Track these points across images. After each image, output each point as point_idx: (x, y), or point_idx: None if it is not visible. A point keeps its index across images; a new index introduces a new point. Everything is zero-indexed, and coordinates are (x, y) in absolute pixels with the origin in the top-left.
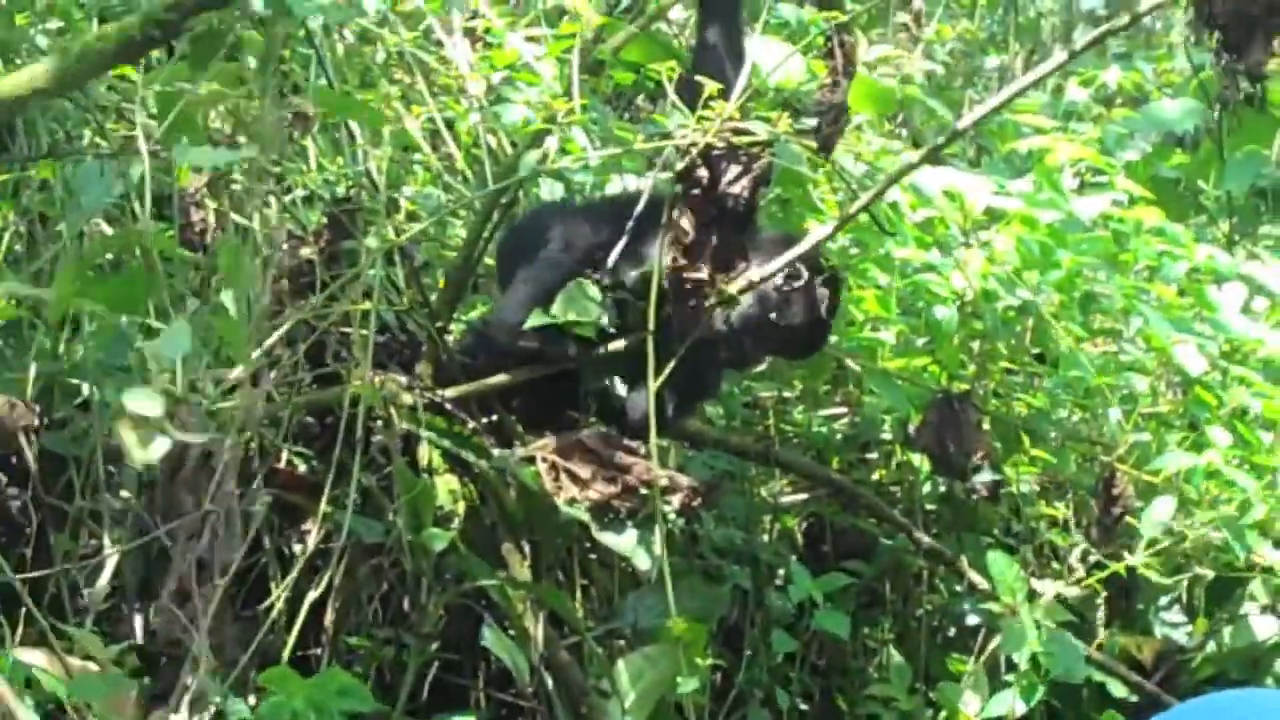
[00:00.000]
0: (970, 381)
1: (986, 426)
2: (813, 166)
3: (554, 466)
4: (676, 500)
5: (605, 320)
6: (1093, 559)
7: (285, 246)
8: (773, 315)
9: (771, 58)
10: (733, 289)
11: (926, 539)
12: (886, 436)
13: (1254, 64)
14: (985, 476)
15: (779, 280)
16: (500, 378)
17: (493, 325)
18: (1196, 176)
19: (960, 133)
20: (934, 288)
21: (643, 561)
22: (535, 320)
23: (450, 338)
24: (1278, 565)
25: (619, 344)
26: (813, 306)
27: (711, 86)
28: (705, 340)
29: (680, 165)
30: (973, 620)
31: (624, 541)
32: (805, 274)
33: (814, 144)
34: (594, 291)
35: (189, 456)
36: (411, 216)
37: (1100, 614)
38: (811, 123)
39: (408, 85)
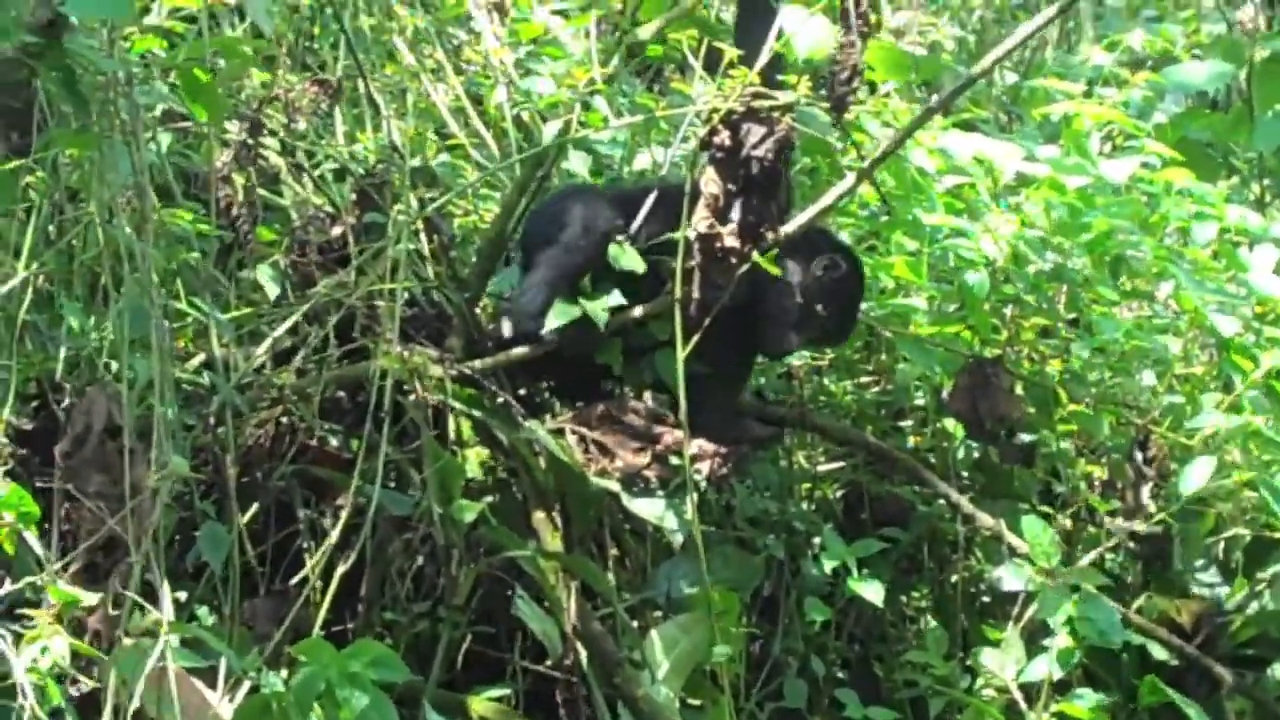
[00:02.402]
0: (1002, 346)
1: (1020, 391)
2: (838, 135)
3: (583, 438)
4: (705, 467)
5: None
6: (1129, 522)
7: (315, 221)
8: (817, 306)
9: (797, 25)
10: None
11: (965, 503)
12: (920, 403)
13: None
14: (1021, 439)
15: (819, 271)
16: (528, 349)
17: (514, 310)
18: (1227, 138)
19: (972, 80)
20: (964, 253)
21: (674, 528)
22: (557, 313)
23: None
24: None
25: (644, 308)
26: (845, 295)
27: (732, 53)
28: (750, 334)
29: (703, 131)
30: (1010, 586)
31: (655, 509)
32: (844, 265)
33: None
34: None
35: (91, 434)
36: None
37: (1138, 577)
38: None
39: (434, 60)
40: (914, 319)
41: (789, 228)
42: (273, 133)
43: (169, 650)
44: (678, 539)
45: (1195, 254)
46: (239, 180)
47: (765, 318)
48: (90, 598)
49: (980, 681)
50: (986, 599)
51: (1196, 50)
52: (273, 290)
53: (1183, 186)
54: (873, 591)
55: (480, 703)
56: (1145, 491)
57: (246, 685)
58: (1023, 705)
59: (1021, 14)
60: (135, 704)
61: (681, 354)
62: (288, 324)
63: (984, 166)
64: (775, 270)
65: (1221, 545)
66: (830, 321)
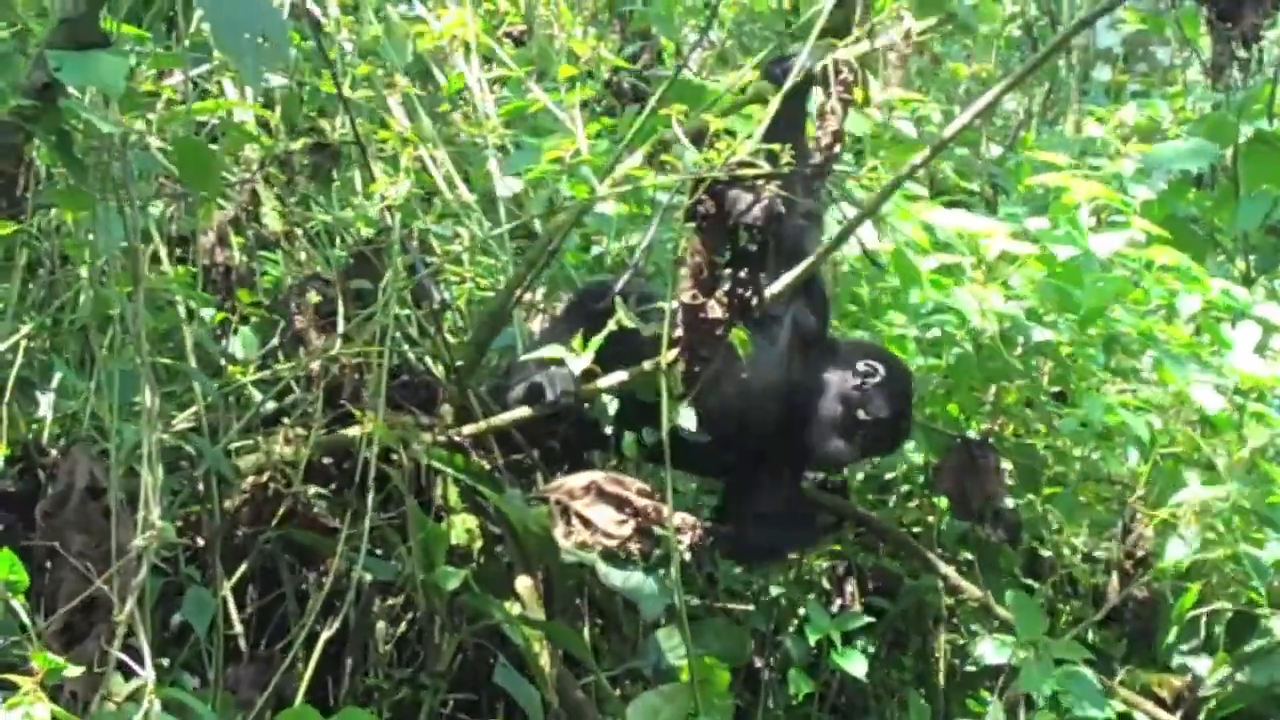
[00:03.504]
0: (989, 421)
1: (1007, 466)
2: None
3: (565, 509)
4: (688, 539)
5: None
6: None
7: (305, 286)
8: (859, 413)
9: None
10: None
11: (954, 575)
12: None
13: (1249, 28)
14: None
15: (857, 380)
16: (515, 414)
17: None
18: (1213, 215)
19: (946, 142)
20: (951, 329)
21: (649, 603)
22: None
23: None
24: None
25: (620, 376)
26: (894, 400)
27: (718, 124)
28: (793, 454)
29: (689, 200)
30: (994, 659)
31: (630, 583)
32: (881, 370)
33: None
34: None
35: (73, 493)
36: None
37: (1121, 651)
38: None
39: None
40: None
41: (772, 290)
42: (276, 196)
43: (152, 715)
44: (654, 613)
45: (1176, 332)
46: (235, 243)
47: (816, 430)
48: (75, 669)
49: None
50: (970, 670)
51: (1184, 126)
52: (248, 354)
53: (1166, 263)
54: (856, 665)
55: None
56: (1128, 566)
57: None
58: None
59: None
60: None
61: (666, 425)
62: (275, 389)
63: (969, 244)
64: (744, 343)
65: (1204, 620)
66: (879, 428)
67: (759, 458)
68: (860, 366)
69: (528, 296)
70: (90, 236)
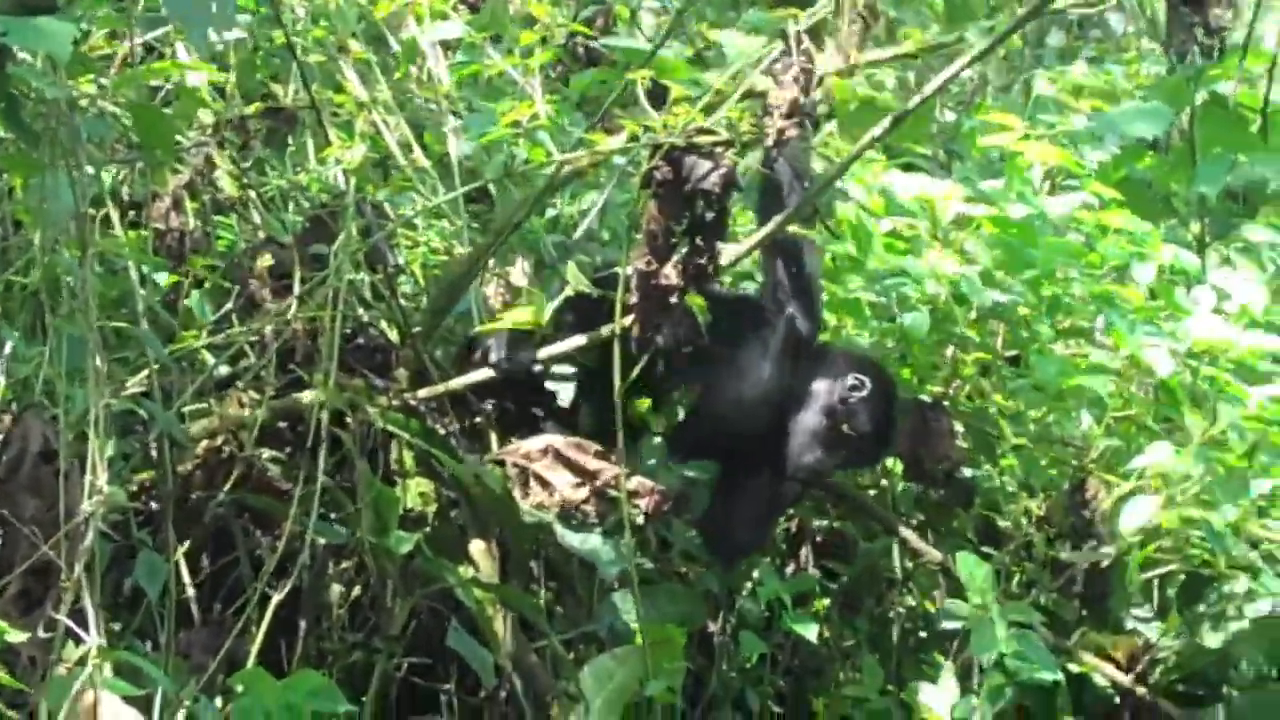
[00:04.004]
0: (943, 385)
1: (960, 429)
2: None
3: (524, 470)
4: (644, 504)
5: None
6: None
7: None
8: (843, 427)
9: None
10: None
11: (913, 537)
12: None
13: (1212, 16)
14: (961, 474)
15: (844, 392)
16: (471, 378)
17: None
18: (1168, 179)
19: (908, 112)
20: (906, 291)
21: (606, 565)
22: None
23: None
24: (1251, 562)
25: (578, 340)
26: (879, 415)
27: (678, 90)
28: (777, 459)
29: (646, 166)
30: (947, 623)
31: (588, 545)
32: (868, 384)
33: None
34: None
35: (26, 458)
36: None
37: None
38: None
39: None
40: None
41: (728, 257)
42: (231, 160)
43: (100, 678)
44: (610, 574)
45: (1132, 294)
46: (190, 207)
47: (798, 439)
48: (25, 635)
49: (916, 717)
50: (923, 634)
51: (1139, 91)
52: (202, 315)
53: (1120, 226)
54: (809, 629)
55: None
56: (1082, 530)
57: (182, 714)
58: None
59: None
60: None
61: (620, 389)
62: (228, 353)
63: (925, 207)
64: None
65: (1156, 582)
66: (862, 443)
67: (744, 460)
68: (849, 380)
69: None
70: (41, 203)
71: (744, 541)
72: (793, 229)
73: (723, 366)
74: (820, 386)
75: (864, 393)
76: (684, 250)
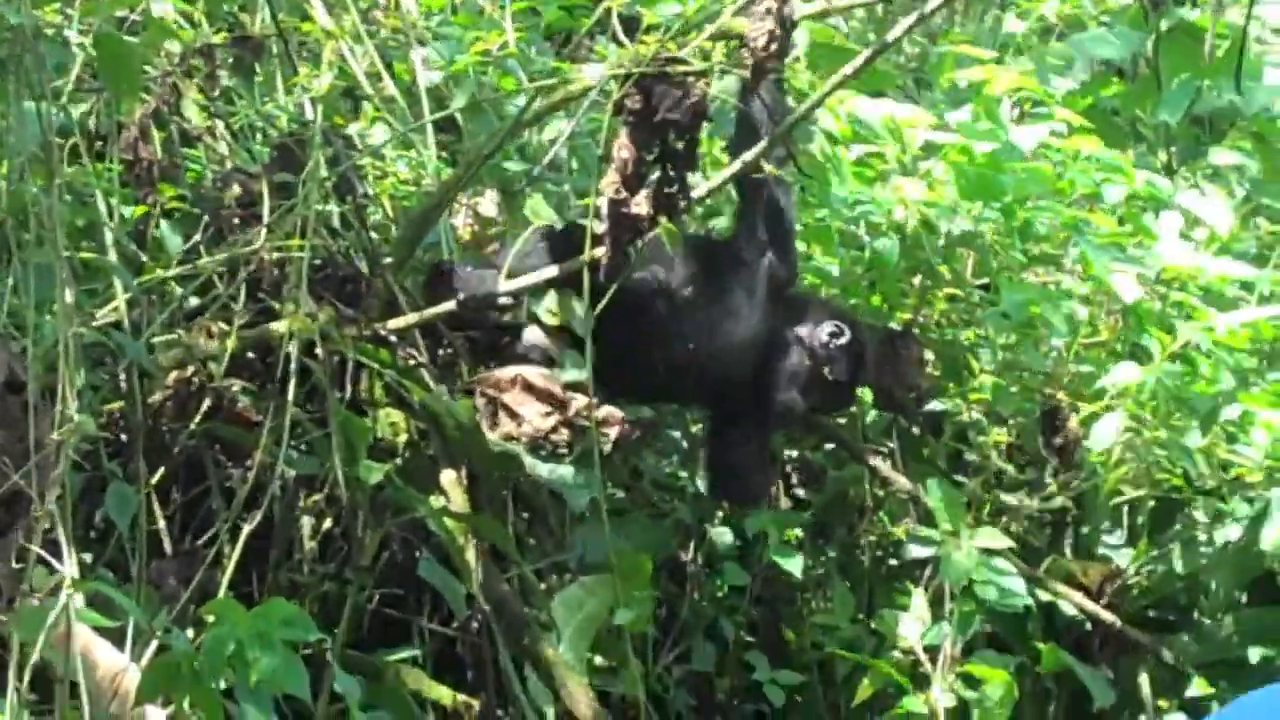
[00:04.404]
0: (912, 312)
1: (930, 357)
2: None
3: (492, 401)
4: (613, 433)
5: None
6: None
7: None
8: (826, 370)
9: None
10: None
11: (883, 466)
12: None
13: None
14: (931, 406)
15: (824, 338)
16: (442, 308)
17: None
18: (1134, 106)
19: (885, 48)
20: (874, 219)
21: (575, 496)
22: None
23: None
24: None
25: (549, 271)
26: (855, 364)
27: (651, 17)
28: (764, 397)
29: (615, 95)
30: (918, 551)
31: (556, 475)
32: (849, 332)
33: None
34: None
35: None
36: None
37: (1045, 540)
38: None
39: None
40: (824, 287)
41: (700, 191)
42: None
43: (73, 608)
44: (579, 504)
45: (1102, 219)
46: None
47: (774, 381)
48: None
49: (887, 644)
50: (894, 563)
51: (1105, 19)
52: (173, 246)
53: (1090, 153)
54: (793, 563)
55: (389, 664)
56: (1053, 457)
57: (154, 645)
58: (928, 668)
59: None
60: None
61: (589, 318)
62: (196, 283)
63: (893, 134)
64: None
65: (1126, 508)
66: (838, 389)
67: (730, 408)
68: (829, 326)
69: None
70: (7, 133)
71: (758, 485)
72: (768, 169)
73: (715, 308)
74: (802, 331)
75: (843, 340)
76: (654, 180)
